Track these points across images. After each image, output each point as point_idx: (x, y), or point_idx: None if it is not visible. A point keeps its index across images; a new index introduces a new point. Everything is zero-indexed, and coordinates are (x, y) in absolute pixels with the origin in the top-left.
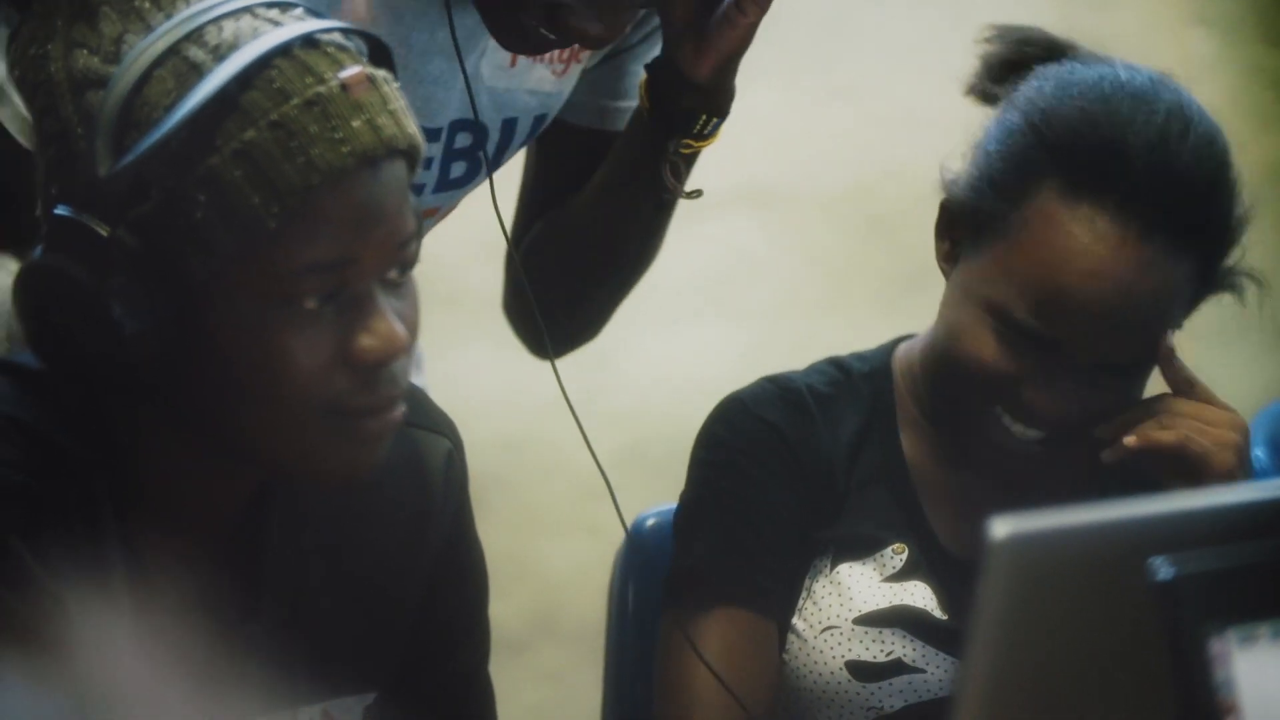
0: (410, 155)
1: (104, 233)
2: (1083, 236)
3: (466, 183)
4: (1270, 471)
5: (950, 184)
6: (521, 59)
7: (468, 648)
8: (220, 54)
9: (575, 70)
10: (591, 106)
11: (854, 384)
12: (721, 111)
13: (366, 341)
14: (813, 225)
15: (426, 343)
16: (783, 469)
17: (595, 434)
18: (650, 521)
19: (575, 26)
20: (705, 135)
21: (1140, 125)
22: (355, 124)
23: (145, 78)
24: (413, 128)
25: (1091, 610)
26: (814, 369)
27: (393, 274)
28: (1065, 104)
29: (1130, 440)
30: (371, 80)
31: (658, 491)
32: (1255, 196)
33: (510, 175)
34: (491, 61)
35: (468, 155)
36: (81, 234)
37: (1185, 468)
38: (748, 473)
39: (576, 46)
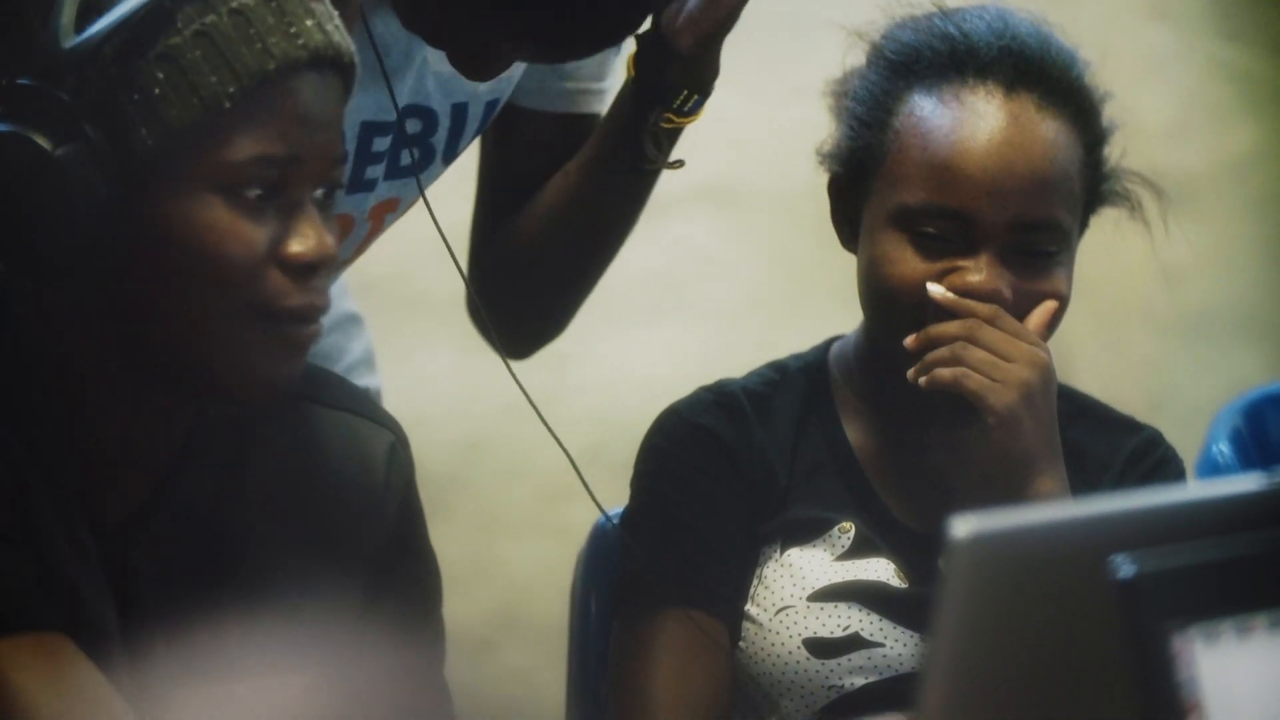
0: (347, 75)
1: (66, 98)
2: (951, 112)
3: (419, 171)
4: (1234, 466)
5: (827, 158)
6: None
7: (418, 646)
8: None
9: None
10: (535, 88)
11: (790, 380)
12: (704, 89)
13: (299, 245)
14: (774, 224)
15: (388, 345)
16: (721, 471)
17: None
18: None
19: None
20: (686, 112)
21: (971, 17)
22: (308, 23)
23: None
24: (352, 45)
25: (1053, 609)
26: (752, 373)
27: (320, 193)
28: (902, 26)
29: (919, 378)
30: None
31: (618, 493)
32: (1215, 192)
33: (445, 178)
34: None
35: (418, 142)
36: (42, 101)
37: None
38: (686, 478)
39: None
